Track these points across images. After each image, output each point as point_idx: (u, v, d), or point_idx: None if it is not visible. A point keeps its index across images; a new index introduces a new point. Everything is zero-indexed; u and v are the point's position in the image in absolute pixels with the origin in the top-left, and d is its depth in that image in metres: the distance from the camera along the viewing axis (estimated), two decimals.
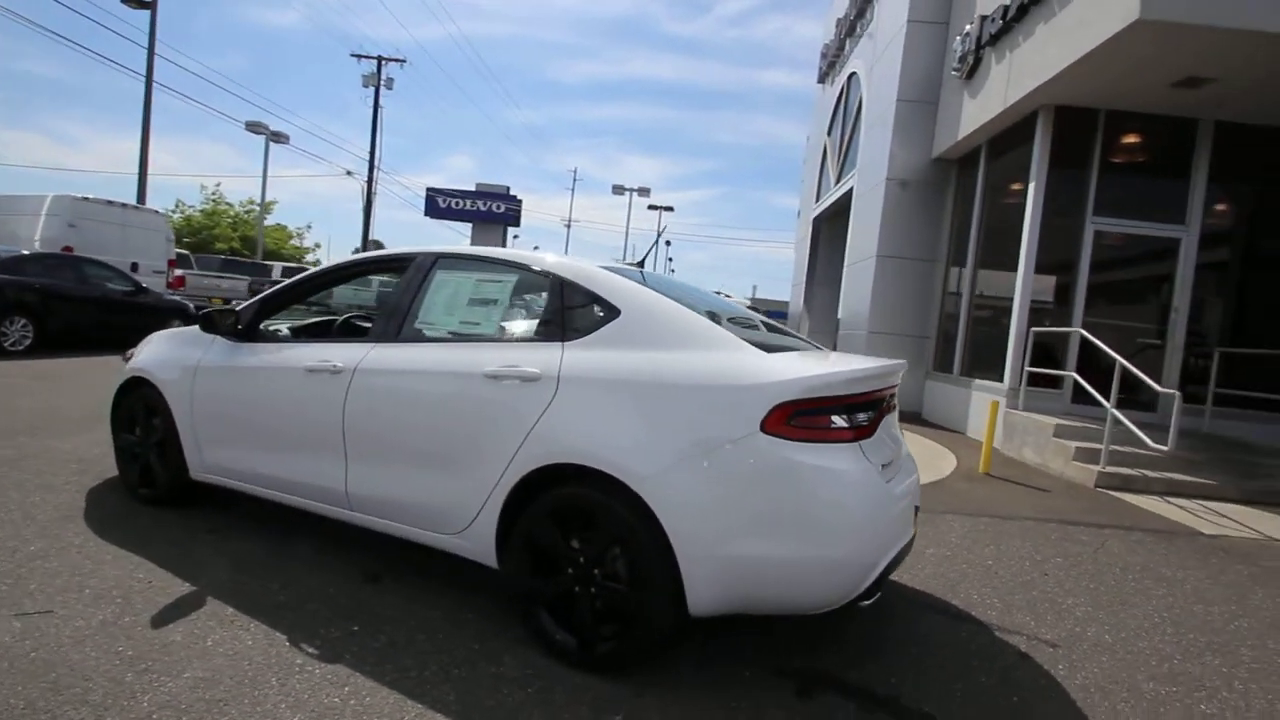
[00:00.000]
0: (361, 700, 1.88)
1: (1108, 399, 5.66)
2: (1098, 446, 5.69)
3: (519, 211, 47.75)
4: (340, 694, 1.90)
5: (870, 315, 9.78)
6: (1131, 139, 7.12)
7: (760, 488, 1.94)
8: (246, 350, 3.00)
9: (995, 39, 7.51)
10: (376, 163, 28.39)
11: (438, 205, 47.77)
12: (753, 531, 1.94)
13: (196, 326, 3.30)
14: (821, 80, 15.85)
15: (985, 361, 8.11)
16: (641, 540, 2.00)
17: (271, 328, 3.21)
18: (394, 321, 2.69)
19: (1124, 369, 5.68)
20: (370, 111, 27.94)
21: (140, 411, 3.31)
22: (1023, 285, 7.22)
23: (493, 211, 48.09)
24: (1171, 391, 5.45)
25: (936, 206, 9.60)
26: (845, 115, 13.28)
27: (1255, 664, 2.61)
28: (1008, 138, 7.97)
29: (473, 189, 48.13)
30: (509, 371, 2.29)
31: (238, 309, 3.06)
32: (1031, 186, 7.15)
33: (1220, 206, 7.16)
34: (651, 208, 47.63)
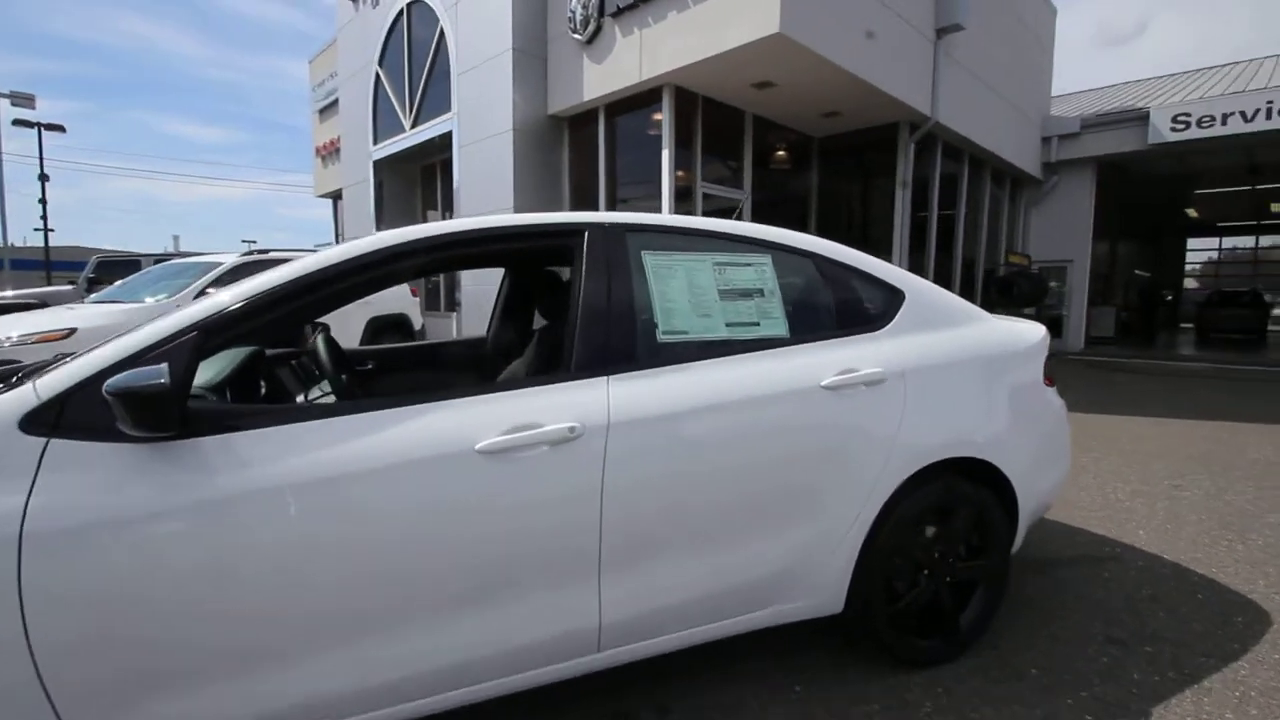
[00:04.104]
0: None
1: None
2: None
3: None
4: None
5: None
6: (716, 121, 9.22)
7: (1047, 427, 2.32)
8: (205, 461, 1.31)
9: (620, 13, 8.37)
10: None
11: None
12: (1047, 464, 2.32)
13: None
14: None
15: None
16: (996, 507, 2.11)
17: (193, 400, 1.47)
18: (616, 338, 1.69)
19: None
20: None
21: None
22: None
23: None
24: None
25: (557, 162, 10.22)
26: (411, 51, 12.22)
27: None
28: (626, 105, 9.13)
29: None
30: (850, 379, 1.88)
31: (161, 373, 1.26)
32: (665, 154, 8.52)
33: (758, 178, 10.10)
34: (19, 123, 30.75)
